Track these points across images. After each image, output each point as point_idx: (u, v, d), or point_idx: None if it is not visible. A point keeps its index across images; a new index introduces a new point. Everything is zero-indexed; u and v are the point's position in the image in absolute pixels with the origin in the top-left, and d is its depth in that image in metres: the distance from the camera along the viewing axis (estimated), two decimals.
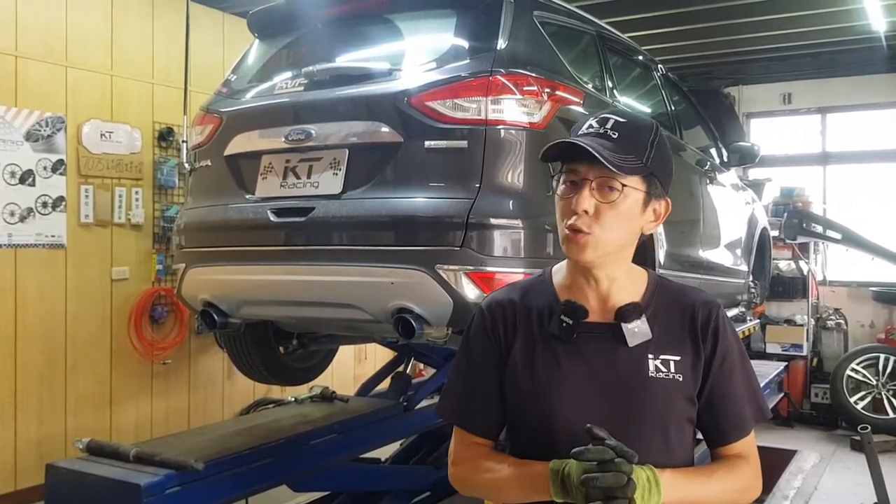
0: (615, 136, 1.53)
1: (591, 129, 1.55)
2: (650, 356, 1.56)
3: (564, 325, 1.58)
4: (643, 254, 3.11)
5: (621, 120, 1.56)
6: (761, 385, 5.34)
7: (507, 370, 1.64)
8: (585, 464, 1.40)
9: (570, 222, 1.53)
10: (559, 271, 1.70)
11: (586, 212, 1.51)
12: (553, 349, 1.59)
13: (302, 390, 4.38)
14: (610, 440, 1.39)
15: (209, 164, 3.41)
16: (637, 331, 1.56)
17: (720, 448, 1.63)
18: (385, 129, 2.92)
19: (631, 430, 1.51)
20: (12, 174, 4.82)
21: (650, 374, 1.56)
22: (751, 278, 5.54)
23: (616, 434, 1.43)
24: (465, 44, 3.05)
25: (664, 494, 1.43)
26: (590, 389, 1.56)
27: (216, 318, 3.31)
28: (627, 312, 1.57)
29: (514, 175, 2.79)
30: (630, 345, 1.56)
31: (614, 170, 1.50)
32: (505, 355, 1.64)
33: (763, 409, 1.67)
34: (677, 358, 1.57)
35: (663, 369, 1.56)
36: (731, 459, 1.61)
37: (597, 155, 1.48)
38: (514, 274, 2.70)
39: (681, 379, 1.56)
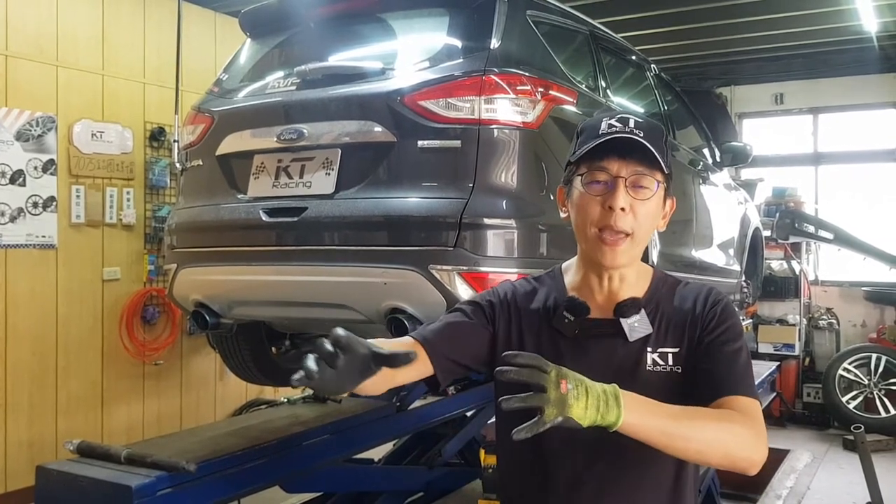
0: (641, 136, 1.53)
1: (613, 129, 1.54)
2: (648, 349, 1.56)
3: (567, 321, 1.60)
4: None
5: (640, 120, 1.57)
6: (754, 384, 5.28)
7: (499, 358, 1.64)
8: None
9: (606, 221, 1.52)
10: (570, 268, 1.71)
11: (623, 209, 1.52)
12: (557, 343, 1.61)
13: (294, 391, 4.36)
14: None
15: (201, 163, 3.39)
16: (637, 325, 1.57)
17: (713, 402, 1.48)
18: (378, 128, 2.90)
19: (608, 434, 1.48)
20: (2, 174, 4.79)
21: (647, 367, 1.55)
22: (743, 278, 5.55)
23: (595, 434, 1.41)
24: (458, 43, 3.04)
25: (627, 413, 1.30)
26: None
27: (208, 318, 3.29)
28: (625, 308, 1.58)
29: (507, 175, 2.78)
30: (630, 339, 1.57)
31: (663, 166, 1.53)
32: (490, 329, 1.66)
33: (753, 387, 1.53)
34: (675, 350, 1.57)
35: (661, 362, 1.56)
36: (725, 410, 1.46)
37: (653, 150, 1.50)
38: (507, 274, 2.69)
39: (679, 370, 1.56)
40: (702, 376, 1.53)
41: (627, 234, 1.53)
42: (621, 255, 1.54)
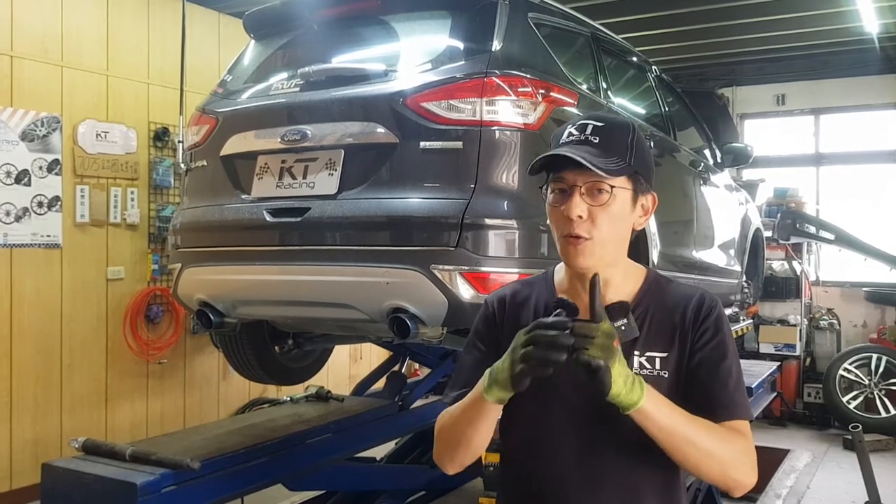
0: (596, 141, 1.56)
1: (571, 138, 1.59)
2: (636, 353, 1.58)
3: None
4: (636, 253, 3.13)
5: (599, 124, 1.60)
6: (755, 384, 5.28)
7: None
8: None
9: (568, 229, 1.55)
10: (560, 271, 1.73)
11: (580, 217, 1.54)
12: None
13: (297, 390, 4.39)
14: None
15: (205, 164, 3.41)
16: (624, 329, 1.56)
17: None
18: (381, 129, 2.93)
19: (606, 427, 1.52)
20: (8, 174, 4.82)
21: (634, 371, 1.53)
22: (744, 278, 5.57)
23: (592, 429, 1.47)
24: (460, 45, 3.07)
25: (647, 398, 1.40)
26: (573, 386, 1.56)
27: (212, 317, 3.31)
28: (613, 311, 1.57)
29: (508, 176, 2.80)
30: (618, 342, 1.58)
31: (602, 174, 1.53)
32: (501, 345, 1.67)
33: (746, 407, 1.59)
34: (664, 354, 1.58)
35: (647, 366, 1.58)
36: (728, 430, 1.53)
37: (583, 162, 1.51)
38: (508, 274, 2.72)
39: (666, 375, 1.57)
40: (697, 396, 1.55)
41: (588, 239, 1.56)
42: (586, 256, 1.56)
